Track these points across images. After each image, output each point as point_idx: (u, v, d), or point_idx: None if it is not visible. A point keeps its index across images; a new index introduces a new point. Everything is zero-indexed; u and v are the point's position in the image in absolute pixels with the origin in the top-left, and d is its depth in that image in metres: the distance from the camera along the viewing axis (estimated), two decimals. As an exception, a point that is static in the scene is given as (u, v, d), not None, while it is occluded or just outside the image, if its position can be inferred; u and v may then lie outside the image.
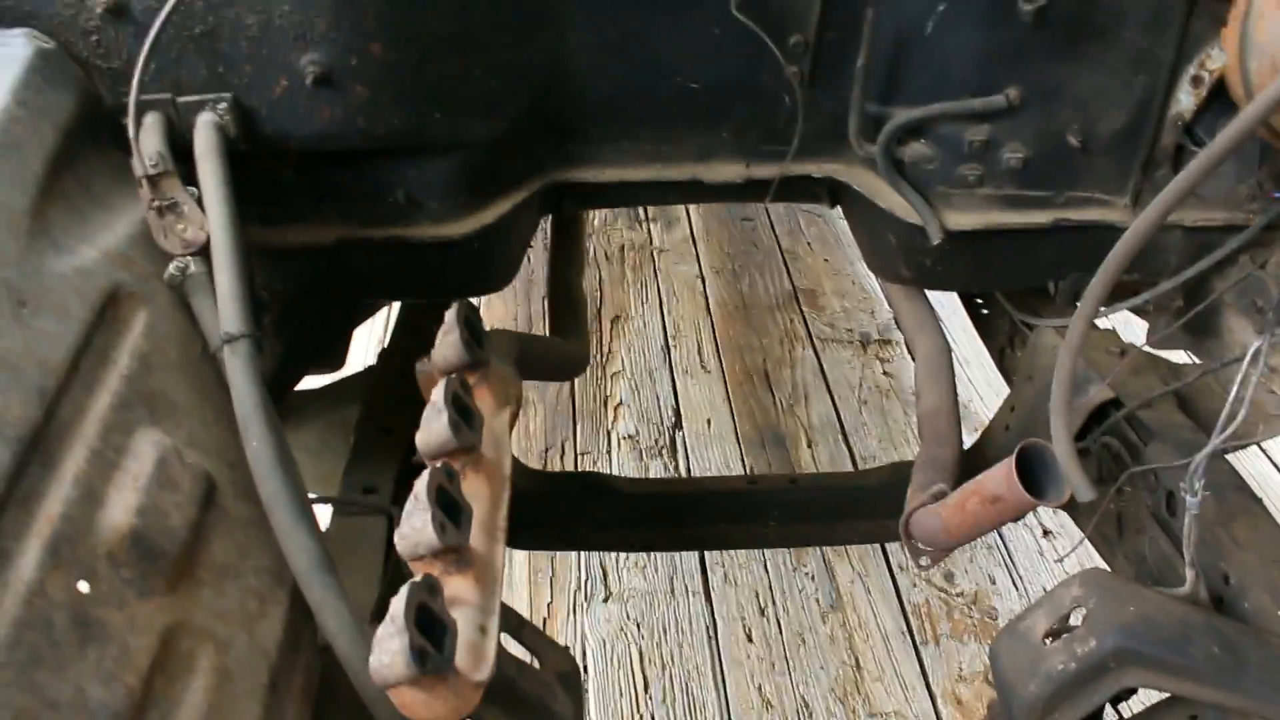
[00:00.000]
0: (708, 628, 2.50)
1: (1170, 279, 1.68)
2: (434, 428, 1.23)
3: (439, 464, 1.16)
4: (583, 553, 2.61)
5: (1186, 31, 1.48)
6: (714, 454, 2.92)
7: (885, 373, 3.28)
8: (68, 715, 0.83)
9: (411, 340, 1.92)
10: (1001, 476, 1.51)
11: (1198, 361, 1.85)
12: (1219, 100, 1.53)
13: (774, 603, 2.54)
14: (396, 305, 2.14)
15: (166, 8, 1.22)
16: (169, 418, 1.10)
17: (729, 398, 3.13)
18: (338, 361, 1.79)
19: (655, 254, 3.72)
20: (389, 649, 0.96)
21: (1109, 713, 1.46)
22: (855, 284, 3.65)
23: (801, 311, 3.51)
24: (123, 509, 0.97)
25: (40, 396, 0.95)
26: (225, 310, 1.17)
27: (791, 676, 2.40)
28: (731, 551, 2.59)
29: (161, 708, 0.93)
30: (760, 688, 2.37)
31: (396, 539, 1.11)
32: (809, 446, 2.98)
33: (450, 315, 1.38)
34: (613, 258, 3.69)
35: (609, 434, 2.96)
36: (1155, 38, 1.48)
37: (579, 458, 2.88)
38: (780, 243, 3.82)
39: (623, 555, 2.60)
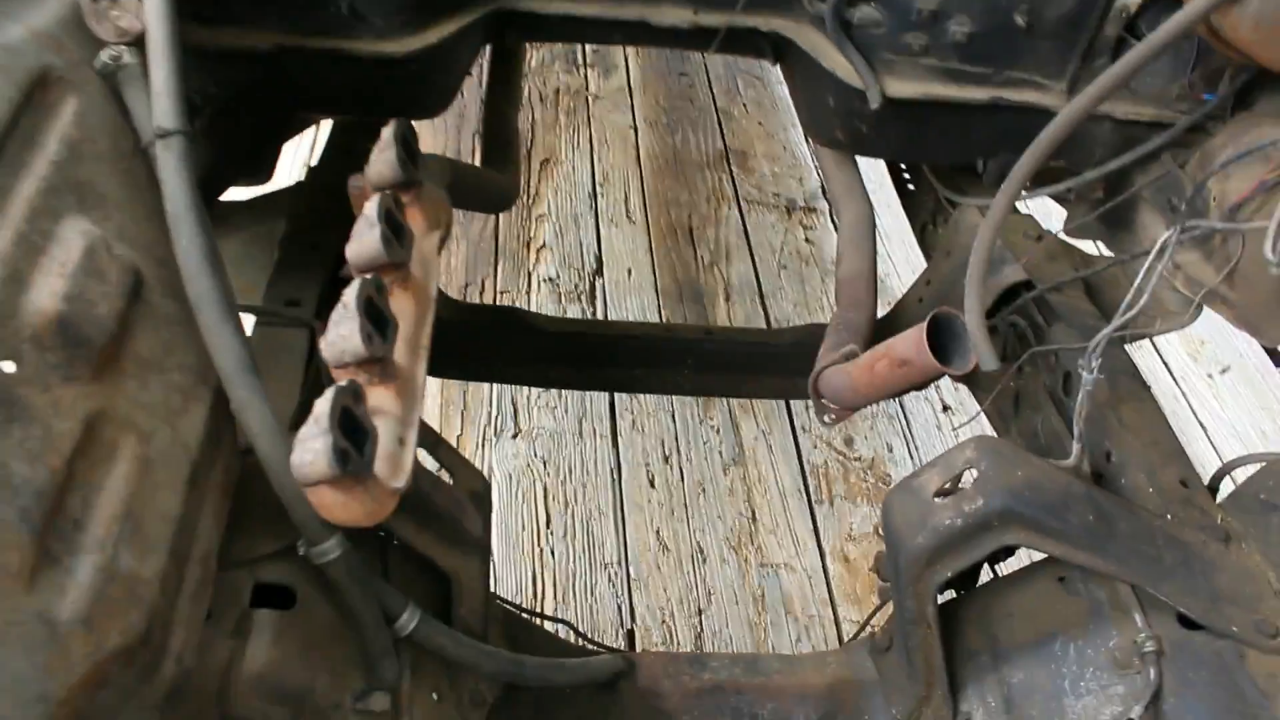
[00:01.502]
0: (612, 470, 2.57)
1: (1095, 169, 1.73)
2: (365, 240, 1.23)
3: (369, 276, 1.17)
4: (495, 388, 2.65)
5: (1141, -80, 1.50)
6: (632, 303, 2.95)
7: (807, 240, 3.32)
8: None
9: (341, 160, 1.89)
10: (912, 341, 1.58)
11: (1109, 254, 1.92)
12: (1160, -3, 1.56)
13: (678, 452, 2.62)
14: (326, 125, 2.09)
15: None
16: (97, 209, 1.08)
17: (651, 250, 3.15)
18: (266, 174, 1.76)
19: (590, 100, 3.67)
20: (312, 447, 0.99)
21: (986, 571, 1.57)
22: (787, 150, 3.66)
23: (731, 171, 3.52)
24: (49, 294, 0.97)
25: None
26: (159, 104, 1.15)
27: (689, 523, 2.49)
28: (640, 399, 2.65)
29: (83, 490, 0.94)
30: (658, 531, 2.46)
31: (322, 345, 1.12)
32: (726, 303, 3.03)
33: (387, 132, 1.36)
34: (547, 100, 3.63)
35: (530, 275, 2.97)
36: (1110, -77, 1.50)
37: (498, 296, 2.89)
38: (716, 101, 3.79)
39: (533, 394, 2.64)
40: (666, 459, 2.60)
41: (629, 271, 3.06)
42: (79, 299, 0.99)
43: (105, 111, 1.16)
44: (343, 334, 1.11)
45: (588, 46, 3.77)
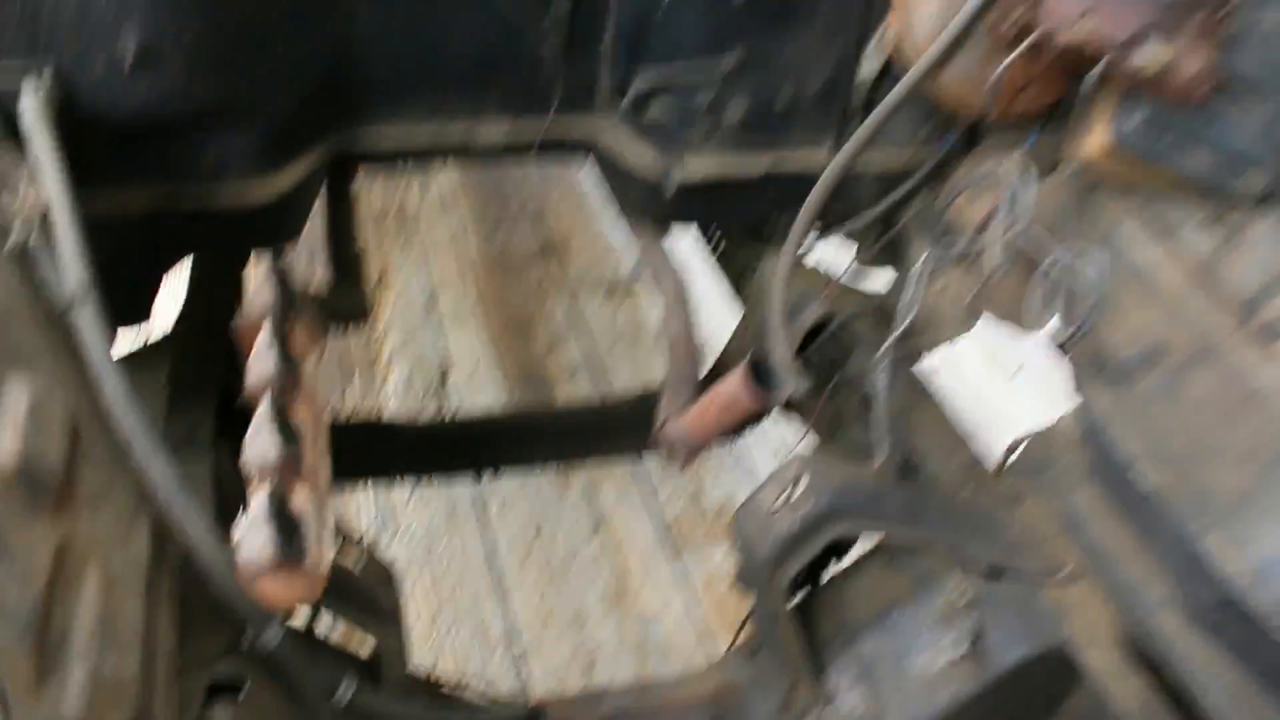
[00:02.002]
0: (488, 554, 2.75)
1: (866, 212, 2.05)
2: (263, 363, 1.42)
3: (272, 393, 1.35)
4: (369, 495, 2.80)
5: (869, 9, 1.80)
6: (482, 397, 3.15)
7: (632, 316, 3.60)
8: None
9: (202, 303, 2.05)
10: (735, 382, 1.84)
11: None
12: (895, 66, 1.89)
13: (546, 527, 2.82)
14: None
15: None
16: (32, 369, 1.24)
17: (493, 345, 3.37)
18: (145, 316, 1.88)
19: (412, 216, 3.89)
20: (256, 540, 1.17)
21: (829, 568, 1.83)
22: (602, 237, 3.95)
23: (554, 263, 3.78)
24: (6, 448, 1.12)
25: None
26: (70, 273, 1.31)
27: (567, 589, 2.69)
28: (503, 485, 2.84)
29: (65, 607, 1.10)
30: (539, 602, 2.65)
31: (244, 455, 1.30)
32: (568, 384, 3.26)
33: (262, 269, 1.56)
34: (373, 221, 3.83)
35: (382, 385, 3.14)
36: (845, 13, 1.79)
37: (357, 407, 3.05)
38: (531, 201, 4.06)
39: (405, 494, 2.80)
40: (537, 534, 2.80)
41: (474, 369, 3.27)
42: (33, 449, 1.14)
43: (20, 284, 1.32)
44: (260, 443, 1.29)
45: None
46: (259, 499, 1.19)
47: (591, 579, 2.74)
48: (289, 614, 1.35)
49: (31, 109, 1.38)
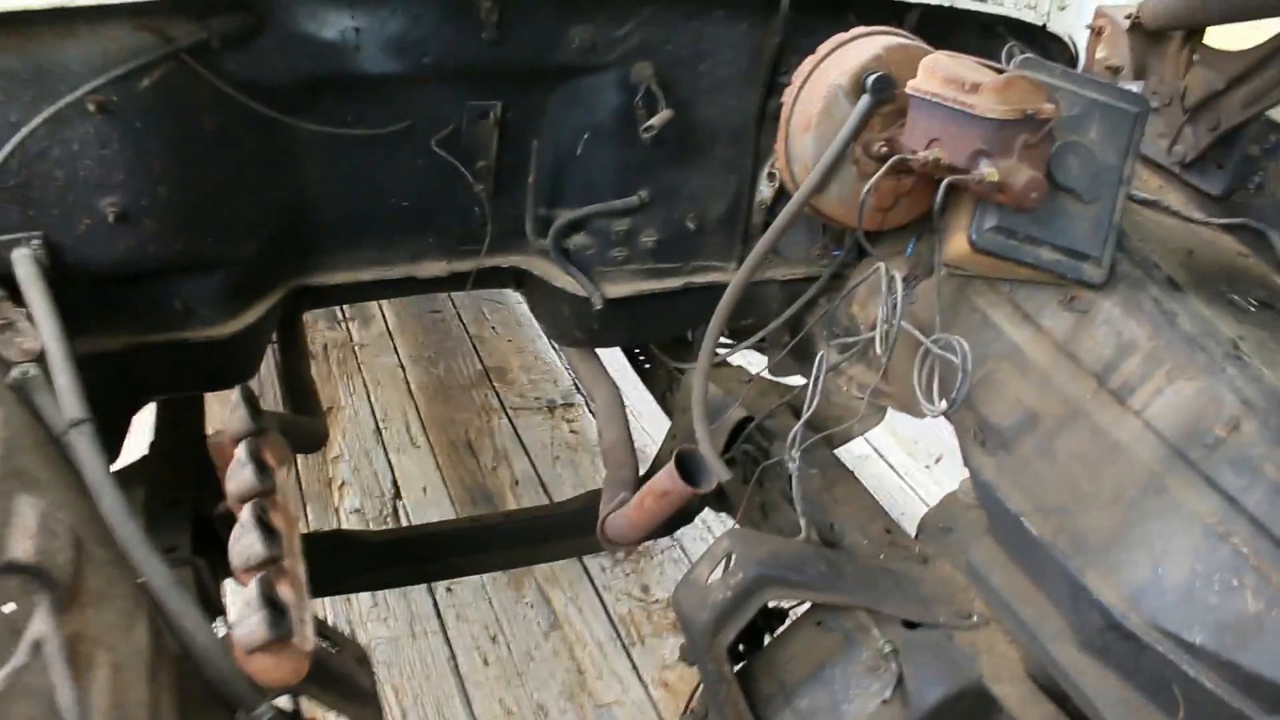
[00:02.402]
0: (448, 659, 2.87)
1: (772, 321, 2.28)
2: (243, 476, 1.58)
3: (252, 502, 1.52)
4: (330, 610, 2.92)
5: (759, 143, 2.05)
6: (433, 516, 3.30)
7: (571, 431, 3.79)
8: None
9: (172, 432, 2.22)
10: (666, 476, 2.02)
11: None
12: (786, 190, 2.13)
13: (502, 631, 2.95)
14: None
15: None
16: (37, 487, 1.40)
17: (439, 467, 3.53)
18: (117, 449, 2.04)
19: (356, 349, 4.08)
20: (251, 621, 1.32)
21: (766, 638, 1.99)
22: (538, 359, 4.17)
23: (494, 386, 3.98)
24: (23, 552, 1.28)
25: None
26: (66, 402, 1.47)
27: (527, 688, 2.81)
28: (459, 593, 2.98)
29: (82, 687, 1.25)
30: (501, 701, 2.77)
31: (231, 554, 1.46)
32: (514, 499, 3.43)
33: (236, 395, 1.73)
34: (318, 355, 4.01)
35: (337, 510, 3.28)
36: (738, 149, 2.04)
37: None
38: (468, 329, 4.28)
39: (364, 609, 2.92)
40: (494, 639, 2.93)
41: (424, 490, 3.42)
42: (45, 552, 1.30)
43: (22, 414, 1.49)
44: (245, 543, 1.45)
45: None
46: (251, 588, 1.35)
47: (550, 675, 2.87)
48: (277, 695, 1.49)
49: (25, 268, 1.56)
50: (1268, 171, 1.86)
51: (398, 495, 3.39)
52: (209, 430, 2.37)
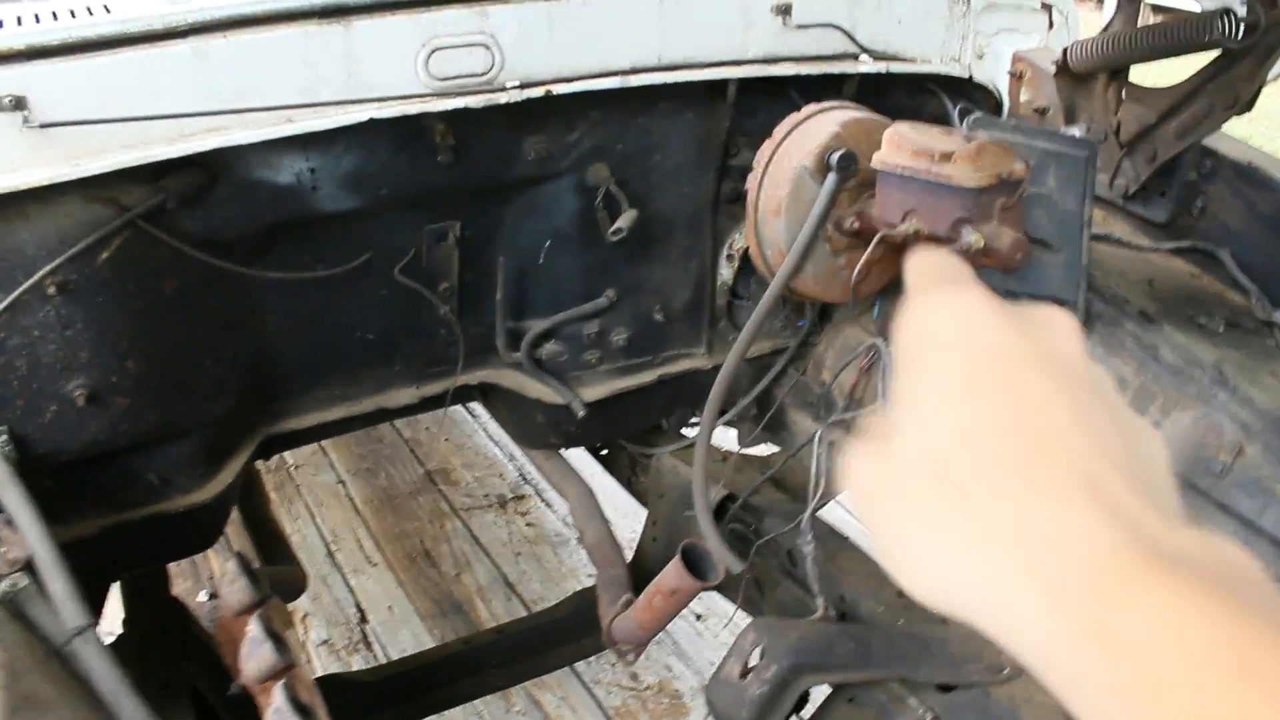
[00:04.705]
0: (446, 783, 2.76)
1: (745, 397, 2.28)
2: (263, 655, 1.50)
3: (283, 681, 1.44)
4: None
5: (715, 227, 2.08)
6: (405, 636, 3.19)
7: (528, 524, 3.72)
8: None
9: (143, 602, 2.10)
10: (674, 573, 2.00)
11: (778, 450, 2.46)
12: (746, 266, 2.14)
13: (499, 744, 2.86)
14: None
15: None
16: (49, 711, 1.31)
17: (401, 583, 3.42)
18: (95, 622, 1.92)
19: (291, 470, 3.94)
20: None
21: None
22: (479, 455, 4.09)
23: (440, 490, 3.89)
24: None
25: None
26: (65, 609, 1.38)
27: (531, 799, 2.73)
28: (449, 714, 2.87)
29: None
30: (507, 817, 2.67)
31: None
32: (483, 604, 3.34)
33: (232, 566, 1.65)
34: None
35: (304, 644, 3.15)
36: (696, 235, 2.05)
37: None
38: (402, 434, 4.18)
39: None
40: (491, 754, 2.84)
41: (390, 609, 3.31)
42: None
43: (17, 631, 1.38)
44: (287, 731, 1.38)
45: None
46: (278, 701, 1.29)
47: (550, 783, 2.79)
48: None
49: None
50: (1208, 195, 1.93)
51: (363, 619, 3.27)
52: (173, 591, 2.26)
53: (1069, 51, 1.95)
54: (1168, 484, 0.47)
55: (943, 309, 0.50)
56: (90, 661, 1.37)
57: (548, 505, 3.78)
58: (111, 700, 1.35)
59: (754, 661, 1.79)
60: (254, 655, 1.50)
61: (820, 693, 1.85)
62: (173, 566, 2.22)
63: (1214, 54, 1.79)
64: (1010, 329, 0.49)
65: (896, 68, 1.99)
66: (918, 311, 0.51)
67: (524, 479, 3.93)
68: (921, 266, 0.58)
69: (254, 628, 1.51)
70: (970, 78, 2.13)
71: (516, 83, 1.64)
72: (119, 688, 1.36)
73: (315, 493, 3.84)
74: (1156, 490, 0.45)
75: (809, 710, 1.91)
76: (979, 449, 0.44)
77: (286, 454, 4.00)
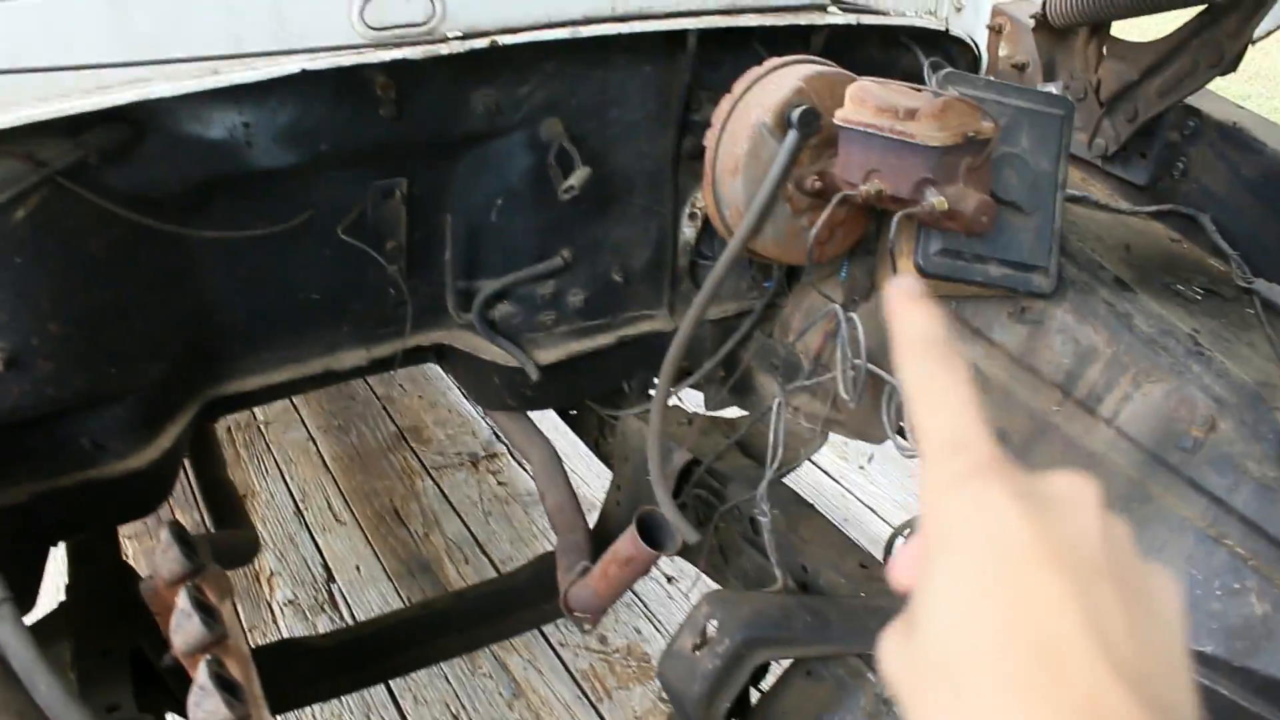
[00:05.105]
0: (412, 747, 2.74)
1: (710, 359, 2.21)
2: (189, 628, 1.45)
3: (208, 656, 1.39)
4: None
5: (677, 185, 1.99)
6: (372, 595, 3.15)
7: (499, 483, 3.67)
8: None
9: (87, 566, 2.04)
10: (629, 541, 1.95)
11: (745, 414, 2.41)
12: (710, 226, 2.07)
13: (464, 707, 2.82)
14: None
15: None
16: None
17: (369, 542, 3.38)
18: (32, 600, 1.87)
19: (262, 427, 3.88)
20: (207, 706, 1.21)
21: (753, 692, 1.93)
22: (452, 412, 4.03)
23: (411, 447, 3.83)
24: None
25: None
26: (-20, 587, 1.33)
27: (499, 761, 2.70)
28: (415, 674, 2.84)
29: None
30: (474, 780, 2.65)
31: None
32: (452, 564, 3.30)
33: (166, 535, 1.59)
34: (222, 441, 3.80)
35: (269, 604, 3.11)
36: (657, 194, 1.97)
37: (248, 633, 3.00)
38: (375, 391, 4.12)
39: (318, 708, 2.77)
40: (456, 717, 2.80)
41: (358, 568, 3.26)
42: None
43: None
44: (209, 708, 1.32)
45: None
46: (200, 673, 1.24)
47: (519, 746, 2.76)
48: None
49: None
50: (1190, 157, 1.86)
51: (331, 579, 3.23)
52: (125, 557, 2.21)
53: (1049, 5, 1.87)
54: (1179, 666, 0.49)
55: (963, 503, 0.52)
56: (3, 635, 1.31)
57: (519, 464, 3.73)
58: (25, 675, 1.30)
59: (709, 634, 1.74)
60: (182, 629, 1.45)
61: (782, 666, 1.81)
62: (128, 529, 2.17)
63: (1199, 9, 1.71)
64: (1027, 523, 0.50)
65: (868, 20, 1.90)
66: (939, 502, 0.53)
67: (497, 436, 3.87)
68: (916, 374, 0.58)
69: (182, 600, 1.46)
70: (947, 31, 2.04)
71: (459, 33, 1.56)
72: (33, 663, 1.30)
73: (285, 449, 3.79)
74: (1164, 690, 0.47)
75: (769, 683, 1.88)
76: (987, 662, 0.47)
77: (256, 410, 3.95)
